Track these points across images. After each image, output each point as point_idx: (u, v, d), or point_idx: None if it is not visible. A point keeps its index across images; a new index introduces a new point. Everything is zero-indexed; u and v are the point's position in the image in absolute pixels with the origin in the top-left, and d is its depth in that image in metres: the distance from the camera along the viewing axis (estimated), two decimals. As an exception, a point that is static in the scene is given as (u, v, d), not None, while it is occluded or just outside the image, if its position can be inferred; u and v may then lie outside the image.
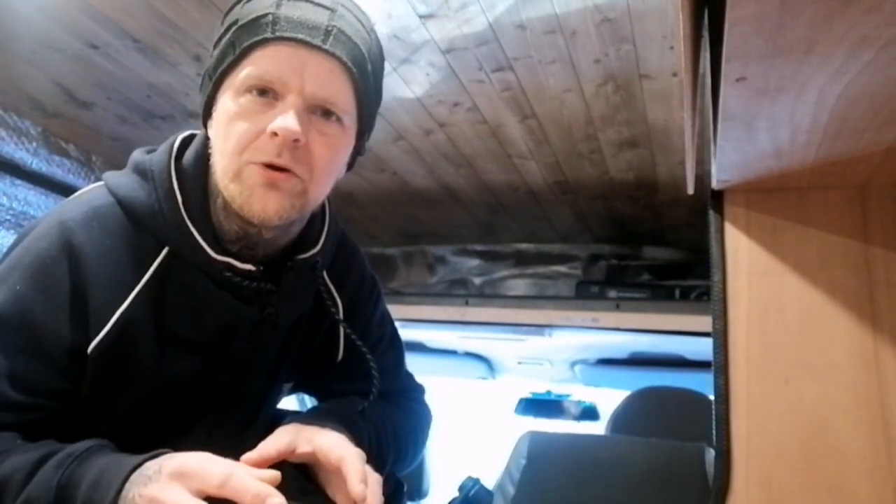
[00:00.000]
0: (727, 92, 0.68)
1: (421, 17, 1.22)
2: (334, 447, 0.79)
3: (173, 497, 0.68)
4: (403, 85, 1.46)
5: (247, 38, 0.79)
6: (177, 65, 1.46)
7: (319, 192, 0.85)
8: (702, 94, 0.84)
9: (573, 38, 1.25)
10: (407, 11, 1.21)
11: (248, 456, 0.76)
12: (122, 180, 0.87)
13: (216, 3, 1.23)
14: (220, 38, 0.83)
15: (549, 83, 1.41)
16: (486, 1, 1.16)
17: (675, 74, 1.33)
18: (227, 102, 0.81)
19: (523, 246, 2.55)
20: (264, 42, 0.78)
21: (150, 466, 0.71)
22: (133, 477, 0.69)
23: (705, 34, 0.71)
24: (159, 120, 1.75)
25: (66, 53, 1.45)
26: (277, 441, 0.79)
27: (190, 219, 0.83)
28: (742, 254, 1.02)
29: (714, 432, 0.98)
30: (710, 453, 1.56)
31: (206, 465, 0.70)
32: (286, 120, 0.77)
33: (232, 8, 0.85)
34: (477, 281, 2.60)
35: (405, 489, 1.05)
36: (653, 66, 1.31)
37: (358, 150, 0.91)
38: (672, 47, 1.24)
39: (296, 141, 0.77)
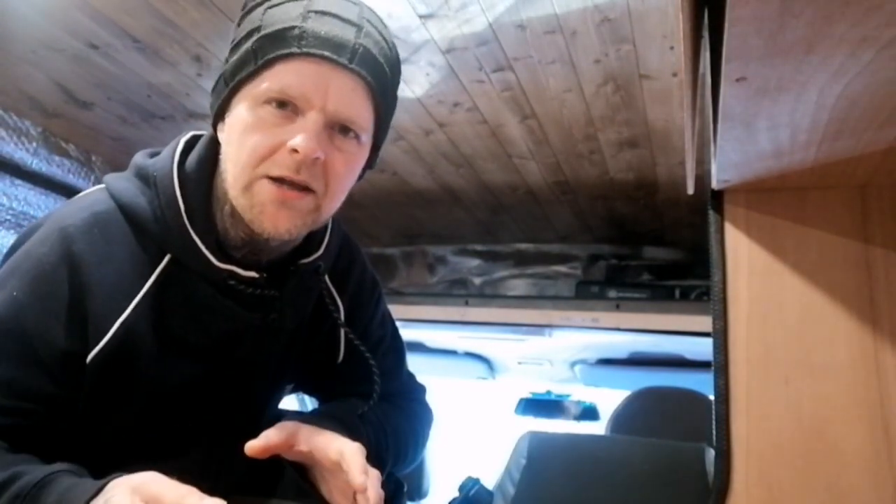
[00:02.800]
0: (727, 92, 0.68)
1: (421, 17, 1.22)
2: (332, 442, 0.79)
3: None
4: (403, 85, 1.46)
5: (271, 49, 0.78)
6: (177, 65, 1.46)
7: (332, 207, 0.85)
8: (702, 94, 0.84)
9: (573, 38, 1.25)
10: (407, 11, 1.21)
11: (252, 444, 0.77)
12: (123, 185, 0.86)
13: (216, 3, 1.23)
14: (239, 43, 0.82)
15: (549, 83, 1.41)
16: (486, 1, 1.16)
17: (675, 74, 1.33)
18: (243, 111, 0.79)
19: (523, 246, 2.55)
20: (290, 56, 0.77)
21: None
22: None
23: (705, 34, 0.71)
24: (159, 120, 1.75)
25: (66, 53, 1.44)
26: (279, 432, 0.79)
27: (192, 226, 0.82)
28: (742, 254, 1.02)
29: (714, 432, 0.98)
30: (710, 453, 1.57)
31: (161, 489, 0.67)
32: (307, 138, 0.76)
33: (251, 11, 0.83)
34: (477, 281, 2.60)
35: (405, 489, 1.05)
36: (653, 66, 1.31)
37: (369, 164, 0.90)
38: (672, 47, 1.24)
39: (315, 159, 0.77)
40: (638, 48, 1.26)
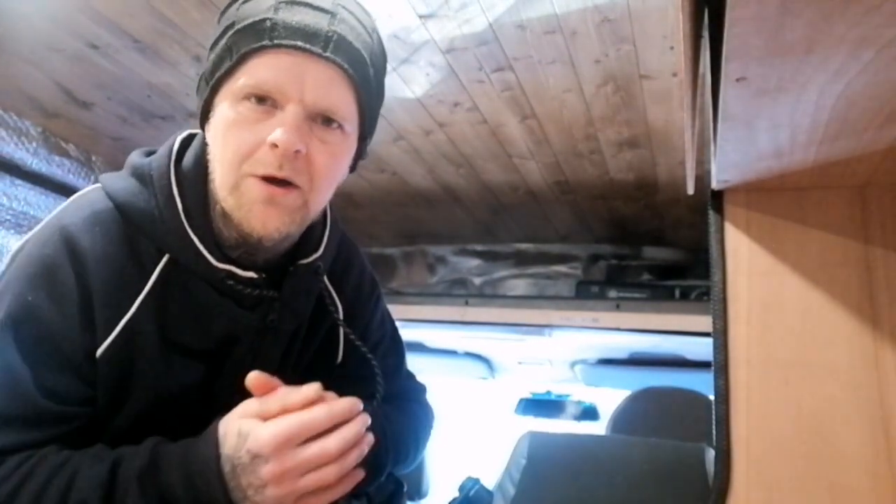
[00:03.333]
0: (727, 92, 0.68)
1: (421, 17, 1.22)
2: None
3: (298, 483, 0.72)
4: (403, 85, 1.46)
5: (244, 43, 0.77)
6: (177, 65, 1.46)
7: (320, 201, 0.84)
8: (702, 94, 0.84)
9: (573, 38, 1.25)
10: (407, 11, 1.21)
11: (259, 376, 0.77)
12: (120, 185, 0.85)
13: (216, 3, 1.23)
14: (216, 41, 0.82)
15: (549, 83, 1.41)
16: (486, 1, 1.16)
17: (675, 74, 1.33)
18: (224, 109, 0.79)
19: (523, 246, 2.55)
20: (262, 49, 0.76)
21: (235, 457, 0.72)
22: (227, 471, 0.72)
23: (705, 34, 0.71)
24: (159, 120, 1.75)
25: (66, 53, 1.45)
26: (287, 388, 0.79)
27: (190, 226, 0.82)
28: (742, 254, 1.02)
29: (714, 432, 0.98)
30: (710, 453, 1.57)
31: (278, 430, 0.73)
32: (286, 132, 0.75)
33: (228, 8, 0.82)
34: (477, 281, 2.60)
35: (405, 489, 1.05)
36: (653, 66, 1.31)
37: (359, 155, 0.90)
38: (672, 47, 1.24)
39: (296, 152, 0.76)
40: (638, 48, 1.26)
